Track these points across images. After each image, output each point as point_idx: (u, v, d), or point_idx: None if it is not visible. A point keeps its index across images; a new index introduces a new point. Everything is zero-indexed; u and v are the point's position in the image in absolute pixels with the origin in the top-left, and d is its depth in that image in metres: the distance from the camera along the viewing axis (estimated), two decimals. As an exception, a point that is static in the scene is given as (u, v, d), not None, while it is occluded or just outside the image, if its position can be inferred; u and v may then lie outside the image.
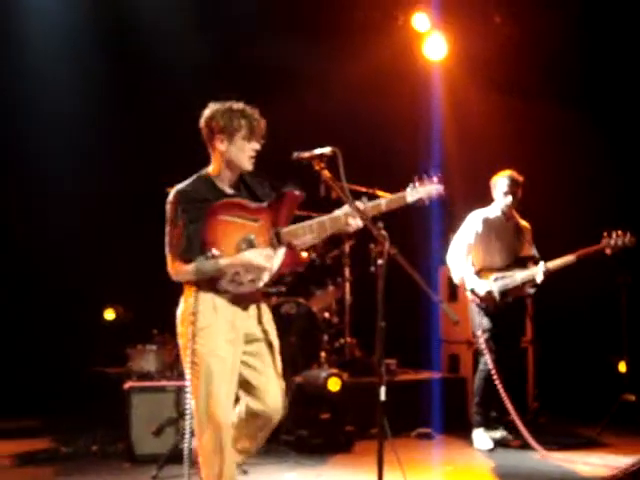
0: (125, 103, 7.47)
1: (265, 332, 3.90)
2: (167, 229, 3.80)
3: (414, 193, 3.95)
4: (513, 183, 6.22)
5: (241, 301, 3.81)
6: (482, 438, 6.13)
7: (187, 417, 3.72)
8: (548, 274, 6.02)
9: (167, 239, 3.79)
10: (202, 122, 3.87)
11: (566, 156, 7.78)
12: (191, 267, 3.69)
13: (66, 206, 7.52)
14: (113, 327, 7.51)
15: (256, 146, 3.84)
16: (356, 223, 3.83)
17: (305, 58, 7.38)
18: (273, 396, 3.85)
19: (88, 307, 7.46)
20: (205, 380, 3.71)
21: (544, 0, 7.67)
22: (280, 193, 3.88)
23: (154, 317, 5.68)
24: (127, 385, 5.82)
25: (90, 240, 7.54)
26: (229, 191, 3.88)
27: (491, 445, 6.07)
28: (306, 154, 3.81)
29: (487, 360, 6.02)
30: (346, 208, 3.82)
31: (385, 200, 3.92)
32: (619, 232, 5.99)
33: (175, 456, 5.27)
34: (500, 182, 6.25)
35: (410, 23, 7.91)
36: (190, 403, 3.74)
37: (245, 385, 3.85)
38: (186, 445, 3.74)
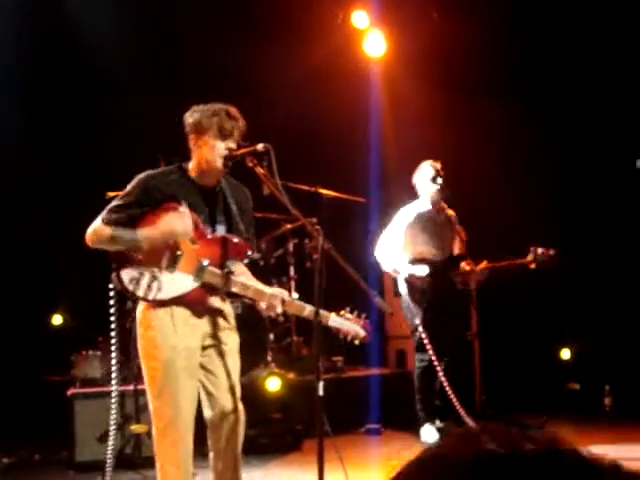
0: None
1: (218, 338, 3.83)
2: (116, 199, 3.76)
3: (338, 320, 3.73)
4: (437, 170, 6.21)
5: (196, 307, 3.75)
6: (428, 431, 6.15)
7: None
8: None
9: (109, 206, 3.74)
10: (183, 122, 3.86)
11: (506, 152, 7.83)
12: (109, 230, 3.66)
13: (13, 209, 7.38)
14: (58, 333, 7.39)
15: (231, 145, 3.76)
16: (272, 312, 3.72)
17: (242, 58, 7.32)
18: (222, 402, 3.79)
19: (33, 313, 7.32)
20: (165, 384, 3.67)
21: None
22: (231, 239, 3.82)
23: (100, 324, 5.61)
24: (70, 391, 5.75)
25: (37, 244, 7.39)
26: (203, 188, 3.83)
27: (437, 437, 6.09)
28: (239, 151, 3.77)
29: (424, 356, 6.03)
30: (277, 290, 3.77)
31: (309, 310, 3.69)
32: (544, 250, 5.99)
33: (120, 461, 5.25)
34: (425, 171, 6.24)
35: (349, 21, 7.93)
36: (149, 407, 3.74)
37: (202, 392, 3.81)
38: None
